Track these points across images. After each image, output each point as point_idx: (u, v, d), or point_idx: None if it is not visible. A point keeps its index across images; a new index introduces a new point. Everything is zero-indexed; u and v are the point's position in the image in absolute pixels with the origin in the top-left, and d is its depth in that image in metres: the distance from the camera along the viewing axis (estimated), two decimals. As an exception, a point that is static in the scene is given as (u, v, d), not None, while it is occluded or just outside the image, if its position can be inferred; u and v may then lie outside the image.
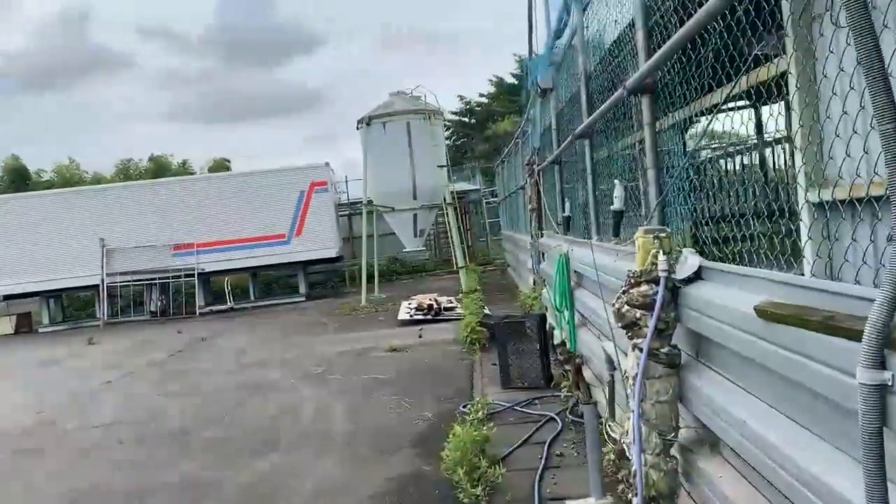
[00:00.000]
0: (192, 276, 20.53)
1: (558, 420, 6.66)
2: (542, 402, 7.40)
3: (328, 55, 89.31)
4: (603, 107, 5.42)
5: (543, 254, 11.11)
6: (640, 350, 3.34)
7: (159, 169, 41.78)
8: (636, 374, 3.36)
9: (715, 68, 3.29)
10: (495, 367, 9.16)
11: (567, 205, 8.35)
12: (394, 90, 19.04)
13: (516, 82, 44.65)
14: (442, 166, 18.43)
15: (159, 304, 20.77)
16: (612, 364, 4.84)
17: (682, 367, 3.41)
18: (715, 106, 3.35)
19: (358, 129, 18.96)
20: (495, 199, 27.03)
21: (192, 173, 35.95)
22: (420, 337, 12.21)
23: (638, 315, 3.35)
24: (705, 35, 3.22)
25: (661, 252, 3.33)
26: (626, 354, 3.67)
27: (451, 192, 19.08)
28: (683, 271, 3.25)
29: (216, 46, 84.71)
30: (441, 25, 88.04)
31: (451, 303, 14.83)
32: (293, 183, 20.81)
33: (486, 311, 13.81)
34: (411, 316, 13.98)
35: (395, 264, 25.15)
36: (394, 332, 13.09)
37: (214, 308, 20.66)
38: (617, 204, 5.18)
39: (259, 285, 22.52)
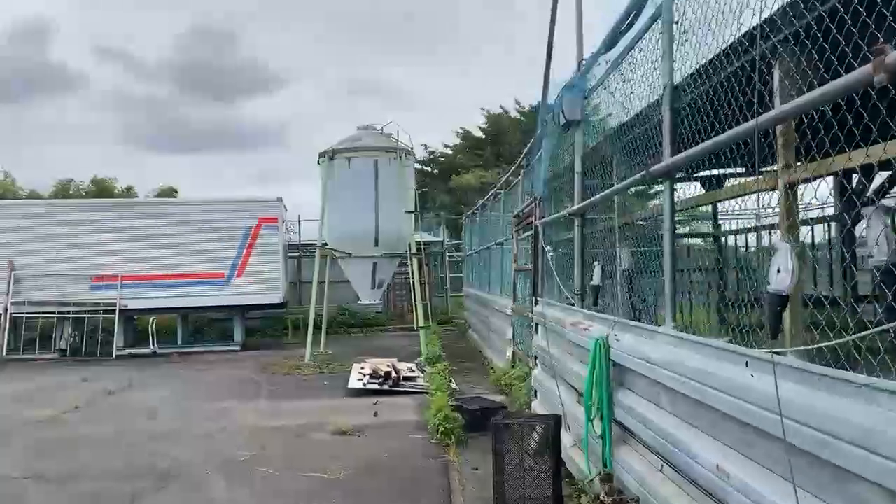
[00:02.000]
0: (113, 312, 17.89)
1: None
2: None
3: (287, 97, 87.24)
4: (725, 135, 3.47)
5: (538, 326, 9.09)
6: None
7: (101, 192, 39.44)
8: None
9: None
10: (478, 473, 7.03)
11: (596, 271, 6.35)
12: (363, 124, 17.07)
13: (483, 136, 43.52)
14: (410, 212, 16.38)
15: (70, 341, 17.98)
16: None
17: None
18: None
19: (319, 162, 16.86)
20: (459, 253, 25.11)
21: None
22: (376, 416, 9.96)
23: None
24: None
25: None
26: None
27: (418, 242, 17.02)
28: None
29: (174, 74, 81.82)
30: (408, 73, 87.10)
31: (412, 371, 12.63)
32: (239, 217, 18.52)
33: (454, 385, 11.69)
34: (364, 385, 11.72)
35: (345, 315, 22.83)
36: (342, 405, 10.81)
37: (134, 351, 17.97)
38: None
39: (189, 329, 19.92)
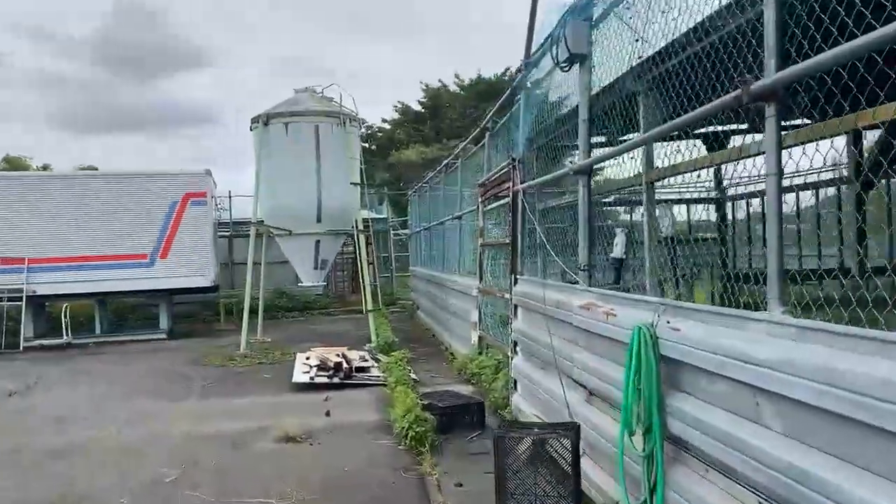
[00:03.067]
0: (20, 299, 15.87)
1: None
2: None
3: (217, 76, 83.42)
4: None
5: (517, 308, 7.83)
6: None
7: (14, 170, 36.65)
8: None
9: None
10: (464, 491, 5.75)
11: (619, 240, 5.07)
12: (301, 87, 15.43)
13: (422, 110, 41.99)
14: (356, 184, 14.86)
15: (-31, 332, 15.89)
16: None
17: None
18: None
19: (252, 129, 15.16)
20: (405, 230, 23.70)
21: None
22: (328, 415, 8.55)
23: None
24: None
25: None
26: None
27: (365, 219, 15.52)
28: None
29: (99, 52, 77.14)
30: (343, 50, 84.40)
31: (365, 360, 11.22)
32: (163, 192, 16.65)
33: (413, 376, 10.39)
34: (312, 378, 10.26)
35: (283, 299, 21.20)
36: (288, 403, 9.36)
37: (46, 342, 15.99)
38: None
39: (109, 316, 17.97)
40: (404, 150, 38.20)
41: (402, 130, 41.72)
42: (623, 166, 5.44)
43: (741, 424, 3.25)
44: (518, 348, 7.80)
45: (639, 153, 4.92)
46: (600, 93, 5.46)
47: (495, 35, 68.39)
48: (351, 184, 14.65)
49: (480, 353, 10.15)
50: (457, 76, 41.34)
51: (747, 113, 3.25)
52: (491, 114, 10.11)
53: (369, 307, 14.53)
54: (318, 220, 14.74)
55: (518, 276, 7.93)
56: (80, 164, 41.84)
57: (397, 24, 79.02)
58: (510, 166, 8.06)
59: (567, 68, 5.81)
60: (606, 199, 7.75)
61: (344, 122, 14.62)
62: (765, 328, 3.10)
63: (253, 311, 15.23)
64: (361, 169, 15.17)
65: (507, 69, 40.01)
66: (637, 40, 4.83)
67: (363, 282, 14.70)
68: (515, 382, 7.92)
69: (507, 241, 8.30)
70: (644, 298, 4.34)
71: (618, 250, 5.06)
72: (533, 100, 7.63)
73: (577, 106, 5.81)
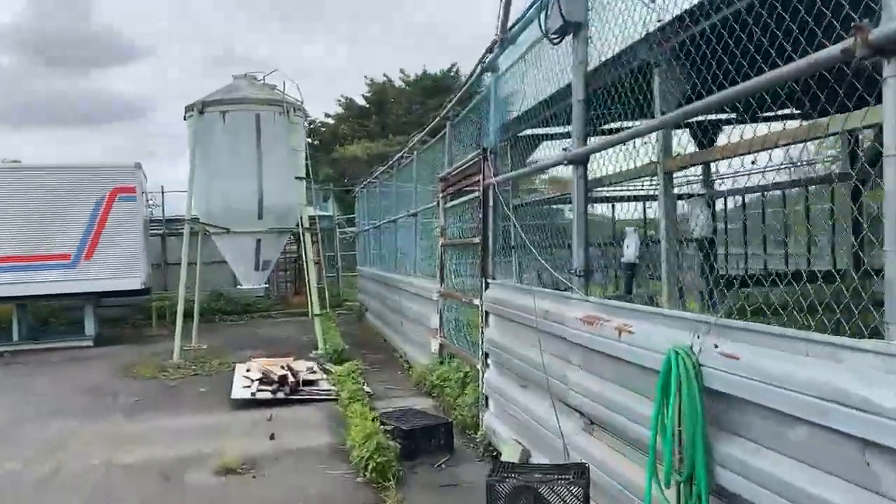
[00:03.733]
0: (-76, 304, 14.32)
1: None
2: None
3: (150, 70, 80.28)
4: None
5: (488, 315, 7.00)
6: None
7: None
8: None
9: None
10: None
11: (631, 240, 4.24)
12: (240, 73, 14.28)
13: (367, 105, 40.86)
14: (301, 178, 13.78)
15: None
16: None
17: None
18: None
19: (186, 118, 13.94)
20: (351, 228, 22.64)
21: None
22: (273, 438, 7.54)
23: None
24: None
25: None
26: None
27: (312, 216, 14.46)
28: None
29: (24, 42, 73.24)
30: (283, 44, 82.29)
31: (313, 372, 10.22)
32: (88, 186, 15.22)
33: (368, 389, 9.48)
34: (253, 393, 9.22)
35: (220, 301, 19.93)
36: (227, 423, 8.31)
37: (-45, 352, 14.48)
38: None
39: (29, 321, 16.44)
40: (349, 145, 37.07)
41: (347, 125, 40.58)
42: (617, 155, 4.65)
43: (838, 488, 2.45)
44: (490, 360, 6.95)
45: (654, 138, 4.12)
46: (601, 67, 4.64)
47: (440, 32, 67.54)
48: (295, 178, 13.57)
49: (442, 363, 9.26)
50: (402, 71, 40.44)
51: (858, 74, 2.42)
52: (453, 102, 9.21)
53: (316, 311, 13.49)
54: (260, 217, 13.63)
55: (489, 280, 7.08)
56: (2, 159, 39.45)
57: (336, 19, 77.32)
58: (480, 157, 7.20)
59: (558, 40, 4.97)
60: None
61: (287, 111, 13.53)
62: (882, 363, 2.29)
63: (188, 315, 14.02)
64: (307, 162, 14.10)
65: (454, 65, 39.32)
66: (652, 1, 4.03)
67: (309, 283, 13.64)
68: (487, 399, 7.08)
69: (477, 240, 7.43)
70: (678, 314, 3.51)
71: (630, 253, 4.29)
72: (508, 83, 6.78)
73: (568, 84, 4.98)
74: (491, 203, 7.10)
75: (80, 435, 8.03)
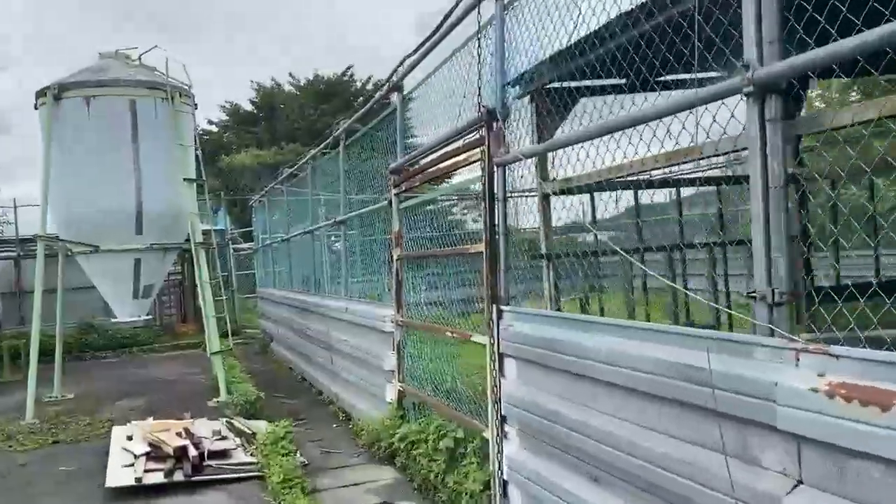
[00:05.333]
0: None
1: None
2: None
3: (7, 80, 73.15)
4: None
5: (506, 358, 4.68)
6: None
7: None
8: None
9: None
10: None
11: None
12: (109, 50, 11.34)
13: (254, 110, 37.70)
14: (191, 181, 10.92)
15: None
16: None
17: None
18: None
19: (37, 106, 10.86)
20: (249, 244, 19.70)
21: None
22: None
23: None
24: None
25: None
26: None
27: (206, 229, 11.64)
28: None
29: None
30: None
31: (222, 437, 7.50)
32: None
33: (301, 458, 6.94)
34: (139, 479, 6.45)
35: (91, 335, 16.59)
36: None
37: None
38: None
39: None
40: (236, 154, 33.77)
41: (233, 133, 37.24)
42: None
43: None
44: (513, 427, 4.62)
45: None
46: None
47: (331, 35, 64.73)
48: (184, 180, 10.72)
49: (404, 418, 6.83)
50: (291, 75, 37.61)
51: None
52: (407, 63, 6.83)
53: (214, 347, 10.67)
54: (139, 232, 10.70)
55: (502, 308, 4.74)
56: None
57: (215, 23, 72.93)
58: (481, 127, 4.86)
59: None
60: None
61: (172, 97, 10.68)
62: None
63: (48, 354, 10.92)
64: (199, 160, 11.29)
65: (349, 68, 36.77)
66: None
67: (205, 311, 10.81)
68: (506, 485, 4.73)
69: (477, 248, 5.07)
70: None
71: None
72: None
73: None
74: (500, 193, 4.78)
75: None
